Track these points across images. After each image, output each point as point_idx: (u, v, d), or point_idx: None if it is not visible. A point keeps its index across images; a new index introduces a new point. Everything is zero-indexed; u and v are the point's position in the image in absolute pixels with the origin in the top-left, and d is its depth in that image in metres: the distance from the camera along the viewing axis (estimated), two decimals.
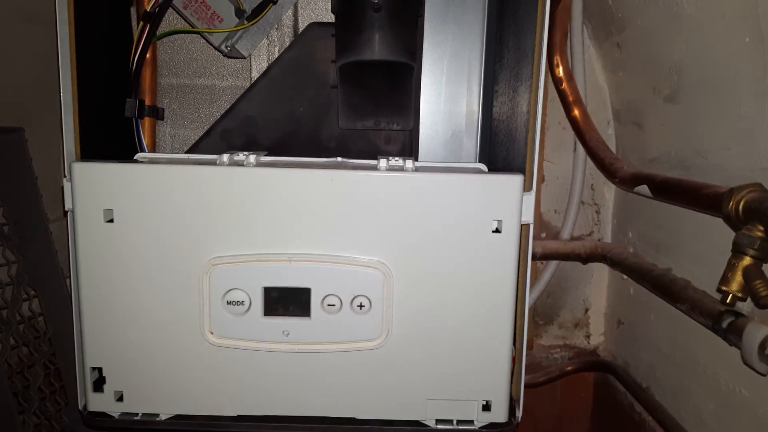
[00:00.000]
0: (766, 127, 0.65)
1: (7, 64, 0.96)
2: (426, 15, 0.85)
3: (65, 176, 0.67)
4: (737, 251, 0.60)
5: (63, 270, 0.99)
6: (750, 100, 0.67)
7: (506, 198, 0.66)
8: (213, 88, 0.84)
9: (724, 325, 0.65)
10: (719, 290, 0.61)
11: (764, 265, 0.59)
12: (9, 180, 0.92)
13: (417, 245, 0.66)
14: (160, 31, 0.73)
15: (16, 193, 0.93)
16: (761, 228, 0.58)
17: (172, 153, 0.85)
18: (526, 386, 0.82)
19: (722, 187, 0.66)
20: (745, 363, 0.62)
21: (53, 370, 0.96)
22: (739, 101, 0.69)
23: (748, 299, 0.63)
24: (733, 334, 0.64)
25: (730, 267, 0.60)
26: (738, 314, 0.65)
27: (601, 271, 1.14)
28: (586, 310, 1.16)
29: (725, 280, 0.60)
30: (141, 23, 0.71)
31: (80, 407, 0.71)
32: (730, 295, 0.60)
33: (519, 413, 0.73)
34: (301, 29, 0.79)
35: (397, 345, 0.68)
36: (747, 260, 0.59)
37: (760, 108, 0.65)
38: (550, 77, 1.03)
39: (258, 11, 0.73)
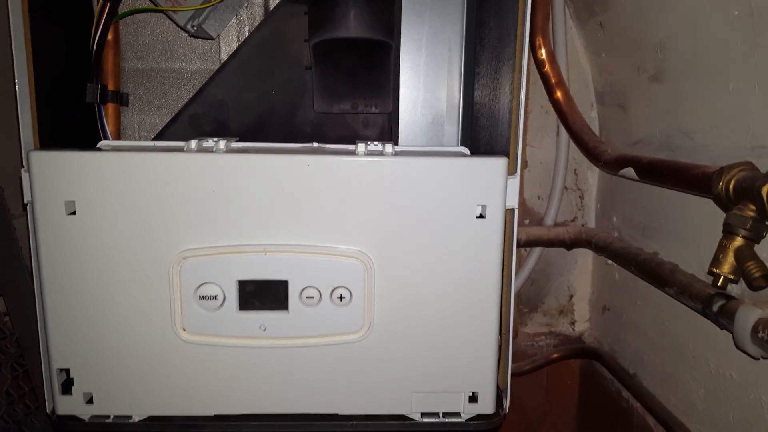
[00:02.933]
0: (755, 104, 0.63)
1: None
2: None
3: (23, 166, 0.63)
4: (728, 232, 0.58)
5: (29, 267, 0.94)
6: (739, 76, 0.65)
7: (490, 182, 0.63)
8: (180, 72, 0.79)
9: (715, 308, 0.63)
10: (710, 272, 0.59)
11: (756, 245, 0.58)
12: None
13: (398, 233, 0.64)
14: (121, 9, 0.68)
15: None
16: (753, 207, 0.56)
17: (138, 141, 0.81)
18: (511, 375, 0.79)
19: (711, 167, 0.64)
20: (738, 347, 0.60)
21: (21, 372, 0.92)
22: (728, 77, 0.67)
23: (740, 282, 0.61)
24: (724, 318, 0.62)
25: (722, 248, 0.58)
26: (729, 297, 0.63)
27: (585, 257, 1.12)
28: (571, 297, 1.14)
29: (716, 262, 0.58)
30: (101, 2, 0.66)
31: (48, 411, 0.68)
32: (722, 278, 0.58)
33: (506, 404, 0.71)
34: (271, 7, 0.75)
35: (380, 337, 0.65)
36: (739, 241, 0.57)
37: (750, 83, 0.63)
38: (532, 60, 1.01)
39: None
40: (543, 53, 0.98)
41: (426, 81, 0.90)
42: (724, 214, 0.61)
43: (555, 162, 1.08)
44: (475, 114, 0.91)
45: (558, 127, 1.07)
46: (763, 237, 0.57)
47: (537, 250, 1.09)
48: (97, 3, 0.67)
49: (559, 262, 1.12)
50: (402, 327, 0.65)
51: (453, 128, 0.95)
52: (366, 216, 0.63)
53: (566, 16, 1.02)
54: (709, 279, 0.62)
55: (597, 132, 1.04)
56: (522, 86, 0.63)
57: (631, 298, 0.95)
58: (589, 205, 1.11)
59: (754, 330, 0.57)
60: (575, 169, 1.10)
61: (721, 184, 0.60)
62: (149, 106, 0.80)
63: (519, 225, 1.09)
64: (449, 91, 0.92)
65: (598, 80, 1.03)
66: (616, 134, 0.99)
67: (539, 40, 0.98)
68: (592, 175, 1.10)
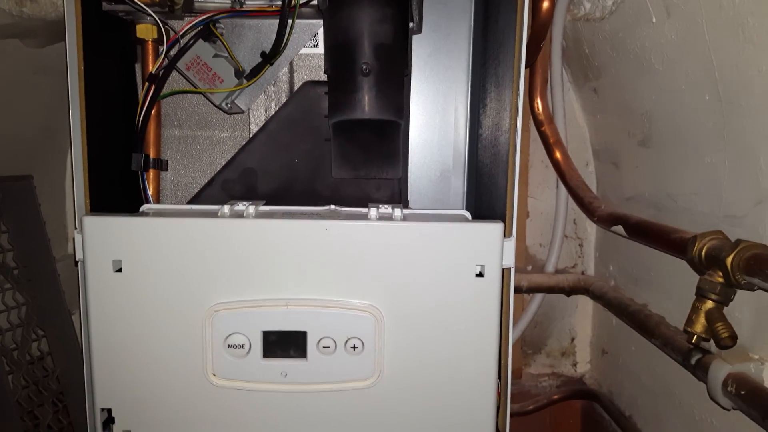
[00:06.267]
0: (726, 177, 0.70)
1: (17, 114, 1.01)
2: (415, 59, 0.91)
3: (76, 228, 0.71)
4: (700, 295, 0.65)
5: (69, 310, 1.03)
6: (712, 151, 0.72)
7: (488, 245, 0.70)
8: (213, 139, 0.89)
9: (693, 361, 0.69)
10: (685, 331, 0.65)
11: (725, 308, 0.64)
12: (18, 226, 0.97)
13: (406, 289, 0.71)
14: (163, 90, 0.78)
15: (26, 238, 0.98)
16: (721, 274, 0.63)
17: (174, 199, 0.89)
18: (516, 414, 0.85)
19: (688, 233, 0.71)
20: (711, 398, 0.66)
21: (61, 408, 0.99)
22: (703, 151, 0.74)
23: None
24: (700, 371, 0.68)
25: (694, 310, 0.65)
26: (705, 351, 0.69)
27: (585, 302, 1.18)
28: (572, 339, 1.20)
29: (690, 321, 0.65)
30: (146, 84, 0.76)
31: None
32: (695, 336, 0.64)
33: None
34: (296, 85, 0.85)
35: (389, 383, 0.72)
36: (709, 304, 0.64)
37: (721, 159, 0.71)
38: (531, 118, 1.09)
39: (256, 71, 0.79)
40: (541, 114, 1.06)
41: (435, 138, 0.99)
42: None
43: (555, 212, 1.15)
44: (478, 171, 0.99)
45: (557, 181, 1.14)
46: (732, 300, 0.64)
47: (539, 295, 1.16)
48: (143, 85, 0.76)
49: (561, 306, 1.19)
50: (409, 374, 0.72)
51: (459, 182, 1.03)
52: (377, 274, 0.70)
53: (563, 79, 1.10)
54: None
55: (594, 186, 1.12)
56: (516, 162, 0.71)
57: (627, 343, 1.02)
58: (589, 252, 1.18)
59: (724, 384, 0.63)
60: (575, 219, 1.17)
61: (694, 250, 0.67)
62: (185, 168, 0.89)
63: (522, 272, 1.16)
64: (455, 148, 1.00)
65: (594, 138, 1.11)
66: (610, 189, 1.06)
67: (537, 102, 1.07)
68: (591, 225, 1.17)
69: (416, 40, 0.92)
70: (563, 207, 1.14)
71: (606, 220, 0.92)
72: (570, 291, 1.10)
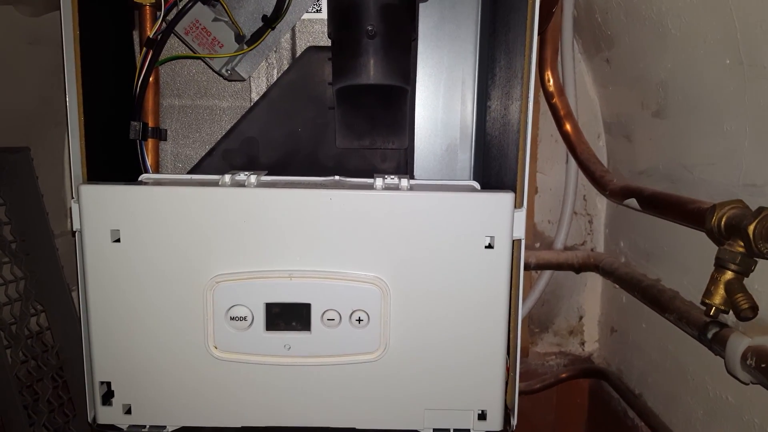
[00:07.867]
0: (747, 145, 0.67)
1: (13, 85, 0.99)
2: (420, 30, 0.88)
3: (73, 198, 0.69)
4: (719, 266, 0.62)
5: (69, 285, 1.01)
6: (732, 118, 0.70)
7: (498, 215, 0.68)
8: (214, 109, 0.86)
9: (709, 335, 0.67)
10: (703, 303, 0.63)
11: (745, 279, 0.62)
12: (16, 198, 0.95)
13: (413, 261, 0.69)
14: (162, 56, 0.75)
15: (23, 211, 0.96)
16: (741, 243, 0.60)
17: (174, 171, 0.87)
18: (522, 393, 0.83)
19: (706, 203, 0.68)
20: (729, 372, 0.64)
21: (61, 383, 0.98)
22: (722, 119, 0.71)
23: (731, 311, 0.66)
24: (717, 345, 0.66)
25: (713, 281, 0.62)
26: (723, 325, 0.67)
27: (594, 280, 1.16)
28: (581, 318, 1.18)
29: (708, 293, 0.62)
30: (144, 49, 0.73)
31: (89, 420, 0.73)
32: (713, 308, 0.62)
33: (514, 421, 0.75)
34: (298, 52, 0.82)
35: (395, 357, 0.70)
36: (729, 274, 0.61)
37: (741, 126, 0.68)
38: (541, 91, 1.06)
39: (257, 36, 0.76)
40: (552, 86, 1.03)
41: (441, 112, 0.96)
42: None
43: (564, 188, 1.13)
44: (486, 144, 0.96)
45: (567, 155, 1.11)
46: (752, 271, 0.62)
47: (547, 273, 1.14)
48: (140, 51, 0.74)
49: (569, 284, 1.17)
50: (415, 348, 0.70)
51: (466, 156, 1.00)
52: (383, 245, 0.68)
53: (575, 50, 1.07)
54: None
55: (605, 160, 1.09)
56: (528, 129, 0.68)
57: (637, 321, 0.99)
58: (598, 229, 1.15)
59: (743, 357, 0.61)
60: (584, 195, 1.15)
61: (713, 220, 0.64)
62: (185, 139, 0.87)
63: (530, 249, 1.14)
64: (462, 122, 0.97)
65: (606, 111, 1.08)
66: (622, 163, 1.03)
67: (548, 74, 1.04)
68: (601, 201, 1.14)
69: (422, 9, 0.89)
70: (573, 182, 1.11)
71: (618, 194, 0.89)
72: (579, 268, 1.07)
